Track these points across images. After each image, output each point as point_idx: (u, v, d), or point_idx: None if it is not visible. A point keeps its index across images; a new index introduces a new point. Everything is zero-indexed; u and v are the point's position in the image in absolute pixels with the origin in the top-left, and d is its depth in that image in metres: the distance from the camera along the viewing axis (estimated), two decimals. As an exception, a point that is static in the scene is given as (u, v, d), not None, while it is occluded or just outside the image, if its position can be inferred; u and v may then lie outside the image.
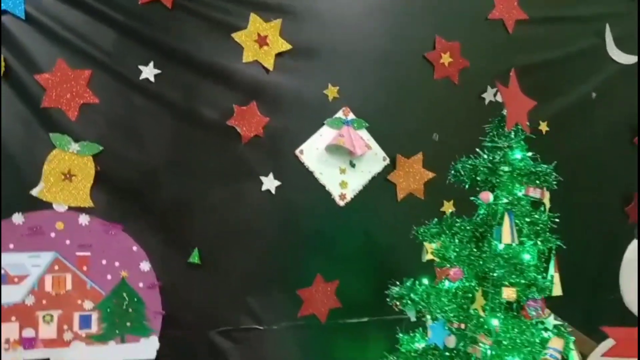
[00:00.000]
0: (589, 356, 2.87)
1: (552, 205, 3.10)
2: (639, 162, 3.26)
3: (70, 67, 2.32)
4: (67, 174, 2.34)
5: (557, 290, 2.08)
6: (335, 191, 2.71)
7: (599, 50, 3.25)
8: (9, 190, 2.27)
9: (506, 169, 1.94)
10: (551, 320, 2.07)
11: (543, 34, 3.11)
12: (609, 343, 2.83)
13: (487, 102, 2.99)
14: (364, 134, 2.75)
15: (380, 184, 2.80)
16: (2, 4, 2.20)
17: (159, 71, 2.43)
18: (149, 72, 2.42)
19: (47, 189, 2.32)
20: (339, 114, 2.71)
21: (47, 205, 2.32)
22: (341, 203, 2.73)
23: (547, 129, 3.13)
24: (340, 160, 2.72)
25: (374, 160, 2.78)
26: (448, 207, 2.85)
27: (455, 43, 2.89)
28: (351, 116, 2.73)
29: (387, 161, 2.81)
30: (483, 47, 2.98)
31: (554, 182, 2.02)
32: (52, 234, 2.33)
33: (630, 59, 3.34)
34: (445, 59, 2.88)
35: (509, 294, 1.85)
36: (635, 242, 2.85)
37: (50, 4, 2.28)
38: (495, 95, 2.97)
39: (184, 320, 2.49)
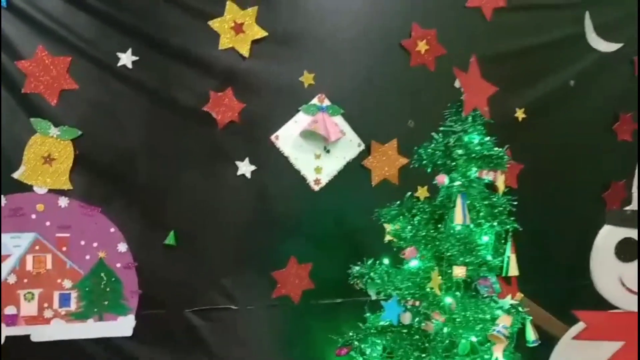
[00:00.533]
0: (561, 339, 2.96)
1: (530, 190, 3.18)
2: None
3: (50, 54, 2.41)
4: (48, 158, 2.44)
5: (513, 271, 2.16)
6: (310, 176, 2.79)
7: (578, 38, 3.26)
8: None
9: (460, 152, 2.00)
10: (508, 300, 2.14)
11: (521, 21, 3.13)
12: (580, 326, 2.91)
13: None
14: (339, 120, 2.81)
15: (355, 170, 2.87)
16: (-17, -7, 2.29)
17: (136, 58, 2.52)
18: (126, 59, 2.51)
19: (28, 172, 2.43)
20: (314, 101, 2.78)
21: (28, 188, 2.43)
22: (316, 188, 2.81)
23: (524, 115, 3.16)
24: (315, 146, 2.79)
25: (349, 146, 2.85)
26: (423, 193, 2.90)
27: (431, 31, 2.93)
28: (326, 103, 2.79)
29: (362, 147, 2.87)
30: (460, 35, 3.01)
31: (506, 165, 2.06)
32: (33, 216, 2.45)
33: (611, 47, 3.36)
34: (422, 46, 2.92)
35: (458, 272, 1.92)
36: (605, 228, 2.91)
37: (31, -9, 2.38)
38: None
39: (160, 300, 2.59)
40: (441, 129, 2.12)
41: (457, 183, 2.00)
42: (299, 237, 2.79)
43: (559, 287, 3.22)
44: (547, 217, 3.24)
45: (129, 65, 2.51)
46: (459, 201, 1.97)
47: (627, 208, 2.95)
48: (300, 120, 2.76)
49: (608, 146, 3.33)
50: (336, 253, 2.77)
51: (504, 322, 1.94)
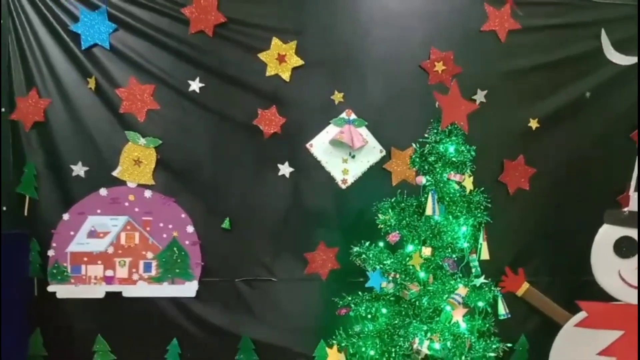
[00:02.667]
0: (564, 326, 3.29)
1: (543, 192, 3.46)
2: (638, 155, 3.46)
3: (139, 83, 3.10)
4: (137, 161, 3.11)
5: (484, 255, 2.58)
6: (338, 177, 3.28)
7: (594, 52, 3.43)
8: (98, 171, 3.10)
9: (432, 158, 2.48)
10: (481, 279, 2.58)
11: (536, 40, 3.37)
12: (581, 315, 3.24)
13: (477, 102, 3.40)
14: (363, 130, 3.28)
15: (377, 172, 3.29)
16: (93, 38, 3.07)
17: (203, 84, 3.13)
18: (195, 85, 3.13)
19: (123, 171, 3.12)
20: (343, 115, 3.26)
21: (123, 183, 3.13)
22: (343, 186, 3.29)
23: (538, 125, 3.43)
24: (343, 152, 3.28)
25: (372, 152, 3.29)
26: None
27: (448, 53, 3.28)
28: (353, 116, 3.29)
29: (384, 153, 3.30)
30: (476, 55, 3.32)
31: (472, 169, 2.48)
32: (126, 204, 3.12)
33: (627, 60, 3.55)
34: (439, 67, 3.32)
35: (425, 251, 2.41)
36: (604, 226, 3.21)
37: (125, 37, 3.07)
38: (485, 97, 3.41)
39: (217, 270, 3.17)
40: (419, 140, 2.61)
41: (429, 182, 2.48)
42: (327, 226, 3.25)
43: (567, 280, 3.45)
44: (558, 216, 3.49)
45: (197, 90, 3.13)
46: (429, 197, 2.45)
47: (625, 209, 3.20)
48: (331, 131, 3.24)
49: (625, 154, 3.44)
50: (359, 240, 3.20)
51: (460, 292, 2.40)
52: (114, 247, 3.14)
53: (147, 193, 3.15)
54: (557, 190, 3.49)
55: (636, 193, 3.17)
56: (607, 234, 3.19)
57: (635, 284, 3.16)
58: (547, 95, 3.47)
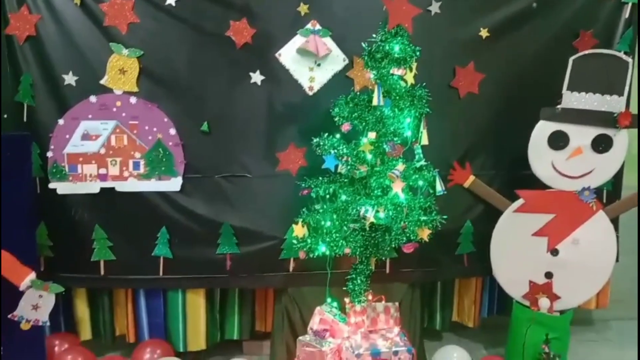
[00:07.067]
0: (505, 212, 3.74)
1: (491, 95, 3.83)
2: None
3: None
4: (121, 70, 3.37)
5: (424, 141, 2.99)
6: (305, 84, 3.57)
7: None
8: (87, 81, 3.40)
9: (378, 56, 2.83)
10: (422, 162, 3.00)
11: None
12: (520, 202, 3.67)
13: (432, 13, 3.66)
14: (328, 40, 3.55)
15: (341, 79, 3.57)
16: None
17: None
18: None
19: (109, 79, 3.40)
20: (309, 25, 3.51)
21: (110, 90, 3.42)
22: (310, 93, 3.58)
23: (488, 34, 3.75)
24: (309, 61, 3.55)
25: (335, 61, 3.57)
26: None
27: None
28: (318, 27, 3.53)
29: (347, 61, 3.58)
30: None
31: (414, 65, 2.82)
32: (114, 109, 3.40)
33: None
34: None
35: (371, 135, 2.82)
36: (540, 122, 3.58)
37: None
38: (439, 8, 3.67)
39: (198, 167, 3.52)
40: (368, 40, 2.95)
41: (375, 76, 2.85)
42: (297, 128, 3.57)
43: (508, 173, 3.88)
44: (503, 117, 3.86)
45: (173, 4, 3.35)
46: (376, 89, 2.83)
47: (558, 106, 3.58)
48: (298, 41, 3.51)
49: (566, 60, 3.60)
50: (325, 140, 3.57)
51: (399, 168, 2.83)
52: (105, 148, 3.47)
53: (132, 99, 3.45)
54: (503, 93, 3.81)
55: (568, 91, 3.51)
56: (542, 129, 3.56)
57: (566, 172, 3.58)
58: (496, 7, 3.75)
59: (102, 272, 3.57)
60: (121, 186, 3.52)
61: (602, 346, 4.26)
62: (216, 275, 3.65)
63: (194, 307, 3.76)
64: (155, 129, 3.51)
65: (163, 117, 3.51)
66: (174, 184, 3.55)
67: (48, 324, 3.03)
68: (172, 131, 3.52)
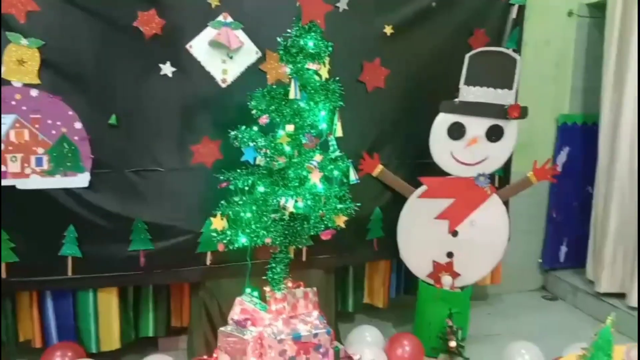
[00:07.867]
0: (409, 198, 3.98)
1: (396, 89, 4.05)
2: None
3: None
4: (20, 61, 3.18)
5: (339, 133, 3.13)
6: (218, 76, 3.58)
7: None
8: None
9: (294, 50, 2.93)
10: (337, 153, 3.13)
11: None
12: (423, 189, 3.93)
13: (341, 9, 3.81)
14: (240, 33, 3.60)
15: (254, 72, 3.62)
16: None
17: None
18: None
19: (7, 71, 3.20)
20: (220, 18, 3.53)
21: (8, 83, 3.22)
22: (223, 85, 3.60)
23: (392, 31, 3.98)
24: (222, 53, 3.57)
25: (248, 54, 3.62)
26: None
27: None
28: (229, 19, 3.58)
29: (260, 54, 3.64)
30: None
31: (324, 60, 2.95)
32: (13, 102, 3.20)
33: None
34: None
35: (289, 128, 2.91)
36: (440, 115, 3.85)
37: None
38: (347, 5, 3.84)
39: (107, 162, 3.41)
40: (283, 35, 3.04)
41: (291, 70, 2.94)
42: (210, 121, 3.57)
43: (412, 162, 4.15)
44: (408, 110, 4.13)
45: None
46: (292, 83, 2.92)
47: (456, 100, 3.89)
48: (209, 33, 3.52)
49: (462, 56, 3.98)
50: (239, 132, 3.61)
51: (317, 159, 2.96)
52: (4, 144, 3.26)
53: (34, 92, 3.28)
54: (407, 87, 4.08)
55: (465, 85, 3.81)
56: (442, 121, 3.87)
57: (464, 160, 3.89)
58: (399, 4, 3.99)
59: (4, 275, 3.36)
60: (23, 184, 3.33)
61: (497, 317, 4.68)
62: (130, 273, 3.56)
63: (106, 306, 3.65)
64: (59, 123, 3.35)
65: (67, 110, 3.36)
66: (81, 180, 3.42)
67: None
68: (78, 125, 3.39)
